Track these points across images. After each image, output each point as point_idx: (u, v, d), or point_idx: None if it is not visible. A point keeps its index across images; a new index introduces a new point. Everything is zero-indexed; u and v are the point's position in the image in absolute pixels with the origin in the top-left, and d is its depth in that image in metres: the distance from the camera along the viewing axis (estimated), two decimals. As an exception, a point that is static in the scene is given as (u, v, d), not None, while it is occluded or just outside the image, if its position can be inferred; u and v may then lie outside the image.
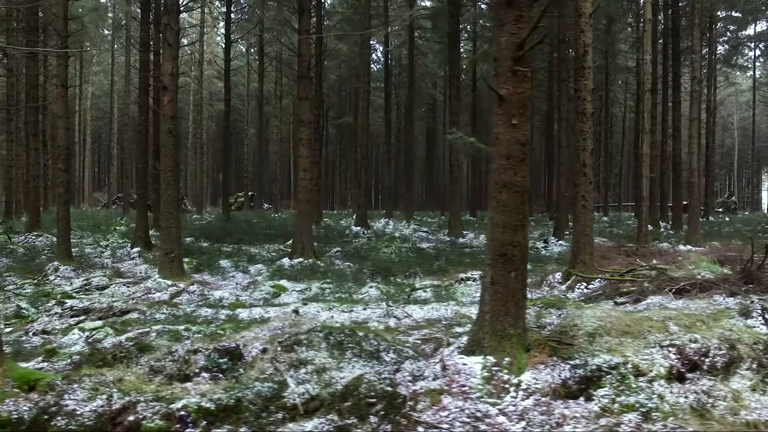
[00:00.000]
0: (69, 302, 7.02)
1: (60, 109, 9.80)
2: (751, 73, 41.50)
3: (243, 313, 6.82)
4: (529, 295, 8.61)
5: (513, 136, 4.67)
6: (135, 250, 11.89)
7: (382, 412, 4.35)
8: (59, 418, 3.98)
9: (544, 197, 30.47)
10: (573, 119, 18.26)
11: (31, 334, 5.85)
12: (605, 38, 24.19)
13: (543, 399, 4.67)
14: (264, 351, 5.03)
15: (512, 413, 4.46)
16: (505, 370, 4.70)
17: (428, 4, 28.78)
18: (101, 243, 13.97)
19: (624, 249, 10.55)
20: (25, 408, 4.02)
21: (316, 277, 9.24)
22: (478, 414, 4.39)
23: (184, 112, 38.48)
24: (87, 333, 5.66)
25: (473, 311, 6.97)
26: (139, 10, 13.78)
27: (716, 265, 8.00)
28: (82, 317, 6.66)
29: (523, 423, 4.38)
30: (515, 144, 4.68)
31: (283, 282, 8.61)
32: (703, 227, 18.71)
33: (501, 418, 4.38)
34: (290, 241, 14.19)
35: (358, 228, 18.01)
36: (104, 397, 4.15)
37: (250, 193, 33.51)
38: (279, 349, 4.98)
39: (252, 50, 32.36)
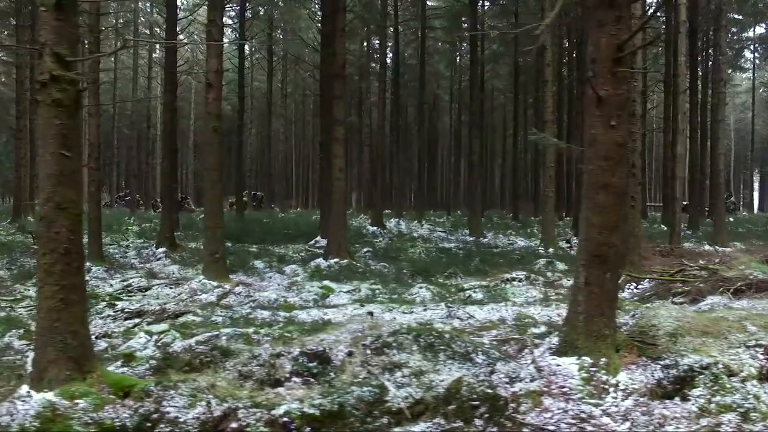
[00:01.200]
0: (119, 304, 6.82)
1: (91, 106, 9.59)
2: (749, 75, 42.00)
3: (301, 315, 6.67)
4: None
5: (611, 137, 4.60)
6: (161, 250, 11.66)
7: (486, 415, 4.25)
8: (162, 425, 3.82)
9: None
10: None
11: (93, 337, 5.65)
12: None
13: (641, 399, 4.60)
14: (350, 354, 4.89)
15: (615, 414, 4.38)
16: (603, 371, 4.63)
17: (434, 3, 28.68)
18: (122, 243, 13.71)
19: (659, 249, 10.55)
20: (125, 415, 3.85)
21: (356, 277, 9.10)
22: (582, 415, 4.30)
23: (184, 111, 38.09)
24: (155, 336, 5.48)
25: (533, 312, 6.89)
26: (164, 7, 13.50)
27: (765, 265, 7.99)
28: (136, 320, 6.46)
29: (628, 424, 4.31)
30: (613, 145, 4.61)
31: (327, 283, 8.46)
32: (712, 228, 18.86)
33: (605, 419, 4.31)
34: (313, 241, 14.04)
35: (375, 228, 17.88)
36: (203, 403, 3.99)
37: (254, 193, 33.23)
38: (369, 352, 4.85)
39: (255, 48, 32.07)
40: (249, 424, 3.92)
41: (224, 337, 5.42)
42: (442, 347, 4.86)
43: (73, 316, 3.93)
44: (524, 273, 9.11)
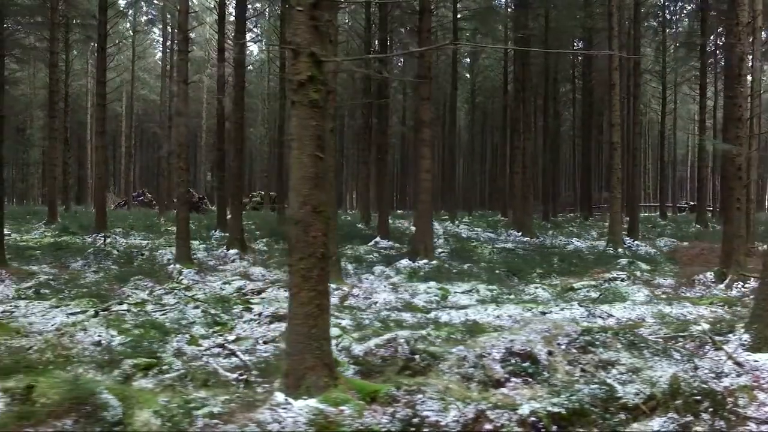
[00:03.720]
0: (254, 308, 6.72)
1: (181, 105, 9.41)
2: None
3: (441, 316, 6.66)
4: (688, 294, 8.67)
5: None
6: (232, 251, 11.51)
7: (711, 409, 4.30)
8: (426, 429, 3.78)
9: (576, 197, 30.65)
10: (627, 122, 18.35)
11: (261, 342, 5.57)
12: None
13: None
14: (550, 353, 4.89)
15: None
16: (805, 366, 4.72)
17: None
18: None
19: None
20: (385, 420, 3.81)
21: (455, 278, 9.08)
22: (800, 409, 4.37)
23: (197, 111, 37.64)
24: (333, 341, 5.41)
25: (666, 310, 6.93)
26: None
27: None
28: (274, 324, 6.38)
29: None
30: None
31: (432, 284, 8.44)
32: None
33: (824, 414, 4.38)
34: (373, 242, 13.98)
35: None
36: (454, 406, 3.96)
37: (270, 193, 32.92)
38: (574, 350, 4.86)
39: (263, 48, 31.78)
40: (503, 425, 3.90)
41: (402, 340, 5.36)
42: (642, 345, 4.89)
43: (325, 322, 3.88)
44: (624, 273, 9.17)
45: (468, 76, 33.79)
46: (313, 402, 3.70)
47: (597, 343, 4.91)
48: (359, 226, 19.05)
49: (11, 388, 4.27)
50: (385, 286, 8.57)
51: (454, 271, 9.61)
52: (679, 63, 23.89)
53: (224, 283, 8.55)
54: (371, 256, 11.58)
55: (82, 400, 3.96)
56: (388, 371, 4.64)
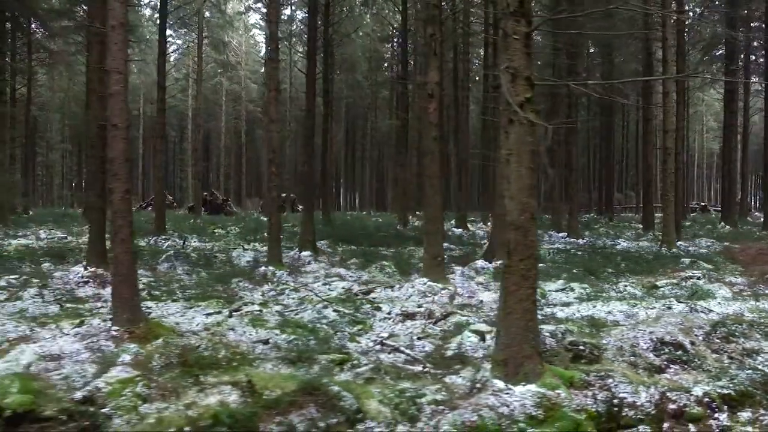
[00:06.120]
0: (382, 306, 7.18)
1: (273, 112, 9.84)
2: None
3: (558, 313, 7.16)
4: (767, 291, 9.23)
5: None
6: (305, 253, 11.95)
7: None
8: (626, 409, 4.30)
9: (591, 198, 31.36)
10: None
11: (422, 339, 6.04)
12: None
13: None
14: (692, 343, 5.43)
15: None
16: None
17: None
18: (245, 247, 13.91)
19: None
20: (589, 401, 4.35)
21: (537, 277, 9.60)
22: None
23: (216, 114, 37.96)
24: (476, 337, 5.90)
25: (763, 306, 7.48)
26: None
27: None
28: (408, 322, 6.86)
29: None
30: None
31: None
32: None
33: None
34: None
35: (460, 230, 18.44)
36: (642, 388, 4.48)
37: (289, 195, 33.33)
38: (716, 340, 5.42)
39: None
40: (685, 404, 4.43)
41: (547, 333, 5.84)
42: (775, 334, 5.44)
43: (535, 316, 4.37)
44: (699, 272, 9.75)
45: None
46: (533, 387, 4.21)
47: (736, 333, 5.46)
48: (399, 228, 19.62)
49: (234, 382, 4.74)
50: (477, 286, 9.06)
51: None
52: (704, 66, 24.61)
53: (324, 284, 9.00)
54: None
55: (313, 392, 4.43)
56: (557, 360, 5.15)
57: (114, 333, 6.16)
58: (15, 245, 14.50)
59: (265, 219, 25.88)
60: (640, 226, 22.13)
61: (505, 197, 4.32)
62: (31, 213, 26.23)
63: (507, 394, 4.24)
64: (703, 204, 42.69)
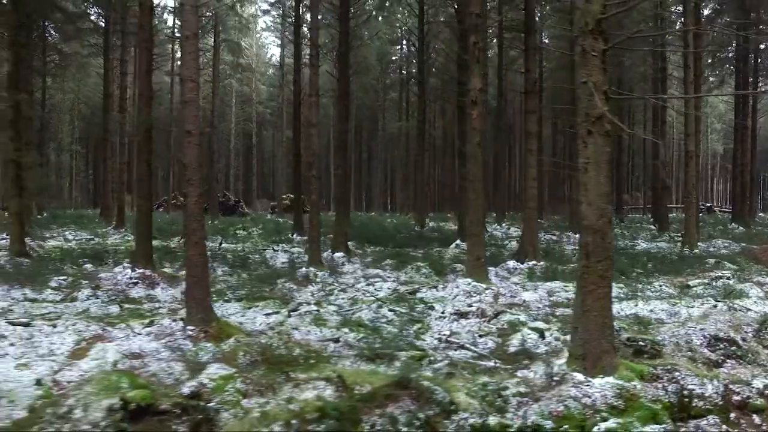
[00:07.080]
0: (437, 307, 7.50)
1: (313, 116, 10.16)
2: None
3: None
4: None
5: None
6: (338, 254, 12.27)
7: None
8: (696, 400, 4.63)
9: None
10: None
11: (482, 336, 6.37)
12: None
13: None
14: (743, 340, 5.77)
15: None
16: None
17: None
18: (275, 248, 14.21)
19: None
20: (660, 393, 4.68)
21: (568, 277, 9.89)
22: None
23: (227, 115, 38.24)
24: (537, 334, 6.23)
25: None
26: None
27: None
28: (463, 320, 7.18)
29: None
30: None
31: (558, 283, 9.30)
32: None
33: None
34: (454, 245, 14.80)
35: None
36: (707, 381, 4.81)
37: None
38: (767, 336, 5.75)
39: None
40: (748, 396, 4.77)
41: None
42: (822, 331, 5.78)
43: (611, 313, 4.70)
44: (728, 272, 10.11)
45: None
46: (611, 379, 4.55)
47: (786, 330, 5.80)
48: (417, 229, 19.95)
49: (325, 378, 5.04)
50: (515, 286, 9.38)
51: (567, 270, 10.47)
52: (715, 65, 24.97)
53: (367, 285, 9.32)
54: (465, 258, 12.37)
55: (405, 386, 4.74)
56: (620, 356, 5.47)
57: (189, 332, 6.46)
58: (48, 246, 14.80)
59: (280, 220, 26.37)
60: (652, 226, 22.49)
61: (582, 203, 4.65)
62: (44, 214, 26.50)
63: (587, 386, 4.57)
64: (709, 205, 43.11)
